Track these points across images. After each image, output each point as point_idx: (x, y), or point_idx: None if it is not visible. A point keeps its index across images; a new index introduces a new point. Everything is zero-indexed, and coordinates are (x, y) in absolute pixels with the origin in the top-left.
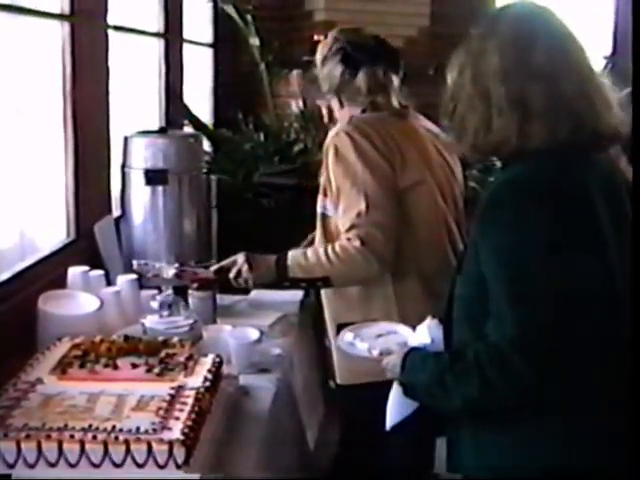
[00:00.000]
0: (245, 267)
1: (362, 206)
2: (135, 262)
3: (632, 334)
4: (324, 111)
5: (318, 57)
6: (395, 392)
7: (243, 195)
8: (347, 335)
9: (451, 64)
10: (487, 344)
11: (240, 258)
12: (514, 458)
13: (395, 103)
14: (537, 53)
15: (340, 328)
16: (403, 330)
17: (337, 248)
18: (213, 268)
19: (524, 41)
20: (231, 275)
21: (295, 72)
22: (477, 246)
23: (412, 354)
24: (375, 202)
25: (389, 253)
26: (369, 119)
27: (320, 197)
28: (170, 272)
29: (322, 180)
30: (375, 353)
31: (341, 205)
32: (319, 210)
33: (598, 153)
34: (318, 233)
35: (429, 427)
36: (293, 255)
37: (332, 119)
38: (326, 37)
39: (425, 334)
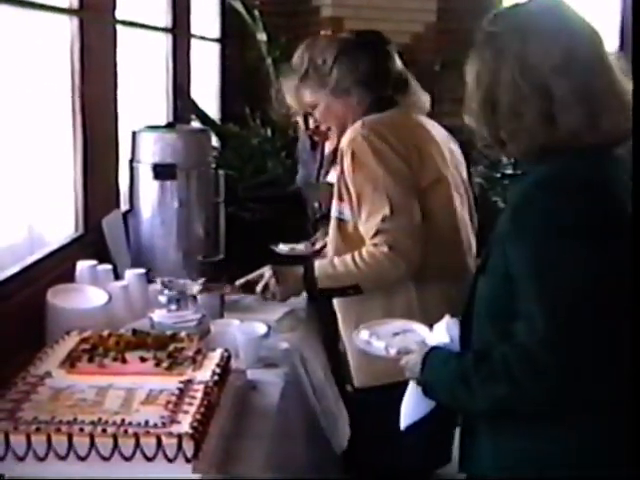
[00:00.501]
0: (272, 281)
1: (386, 211)
2: (159, 279)
3: (633, 333)
4: (310, 120)
5: (328, 56)
6: (411, 392)
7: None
8: (363, 333)
9: (477, 64)
10: (515, 344)
11: (267, 272)
12: (534, 459)
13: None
14: (584, 46)
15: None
16: (420, 329)
17: (365, 255)
18: (239, 282)
19: (574, 34)
20: (258, 289)
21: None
22: (505, 246)
23: (433, 353)
24: (399, 205)
25: (416, 255)
26: (383, 119)
27: (335, 202)
28: (195, 289)
29: (336, 184)
30: (392, 352)
31: (364, 211)
32: (334, 214)
33: (617, 148)
34: (333, 238)
35: (445, 427)
36: (320, 266)
37: (317, 129)
38: (333, 32)
39: (443, 333)
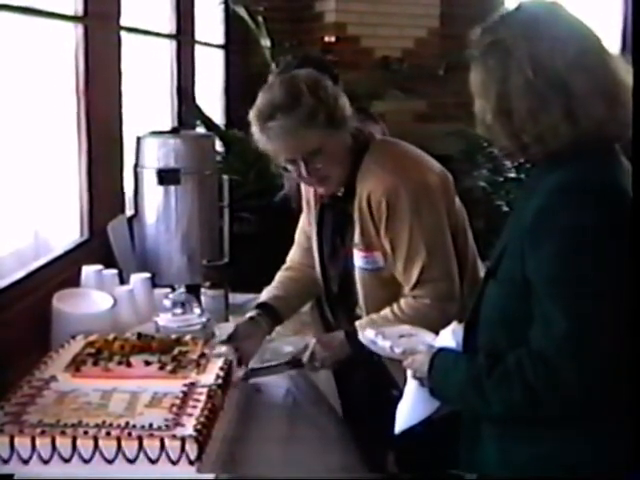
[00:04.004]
0: (318, 348)
1: (424, 260)
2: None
3: (632, 334)
4: (302, 169)
5: (329, 88)
6: (410, 395)
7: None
8: (368, 332)
9: (482, 76)
10: (530, 351)
11: (311, 341)
12: (542, 463)
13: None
14: (591, 41)
15: None
16: (425, 334)
17: (406, 309)
18: (284, 360)
19: (579, 31)
20: (305, 359)
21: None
22: (523, 249)
23: (441, 354)
24: (436, 253)
25: (458, 292)
26: (398, 158)
27: (362, 253)
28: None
29: (358, 235)
30: (398, 351)
31: (399, 260)
32: (361, 265)
33: (614, 150)
34: (370, 290)
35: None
36: (360, 326)
37: (320, 177)
38: (337, 39)
39: (449, 338)
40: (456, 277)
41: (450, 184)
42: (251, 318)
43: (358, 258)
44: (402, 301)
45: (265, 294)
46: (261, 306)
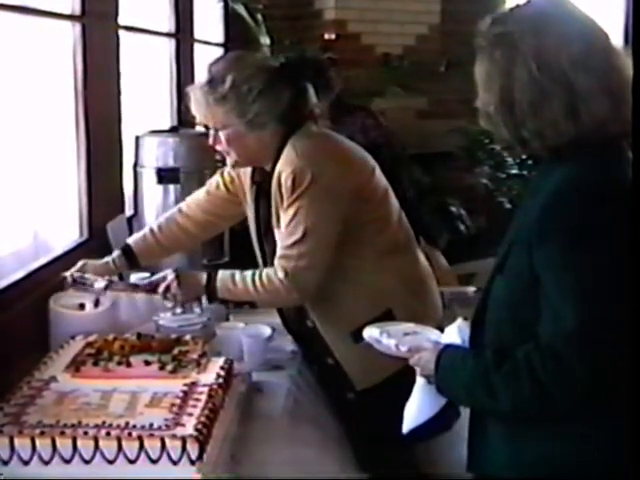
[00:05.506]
0: (174, 284)
1: (298, 236)
2: (68, 274)
3: (632, 334)
4: (210, 136)
5: (254, 85)
6: (417, 394)
7: None
8: (373, 331)
9: (487, 67)
10: (539, 345)
11: (170, 275)
12: (552, 460)
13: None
14: (598, 38)
15: (357, 334)
16: (430, 331)
17: (263, 277)
18: (143, 283)
19: (586, 27)
20: (160, 290)
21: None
22: (531, 245)
23: (448, 351)
24: (314, 237)
25: (313, 285)
26: (317, 146)
27: (277, 232)
28: (100, 284)
29: (275, 214)
30: (403, 349)
31: (284, 230)
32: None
33: (621, 146)
34: None
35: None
36: (222, 277)
37: (224, 149)
38: (337, 37)
39: (455, 335)
40: (320, 272)
41: (372, 187)
42: (106, 262)
43: (277, 237)
44: (264, 271)
45: (140, 233)
46: (124, 248)
